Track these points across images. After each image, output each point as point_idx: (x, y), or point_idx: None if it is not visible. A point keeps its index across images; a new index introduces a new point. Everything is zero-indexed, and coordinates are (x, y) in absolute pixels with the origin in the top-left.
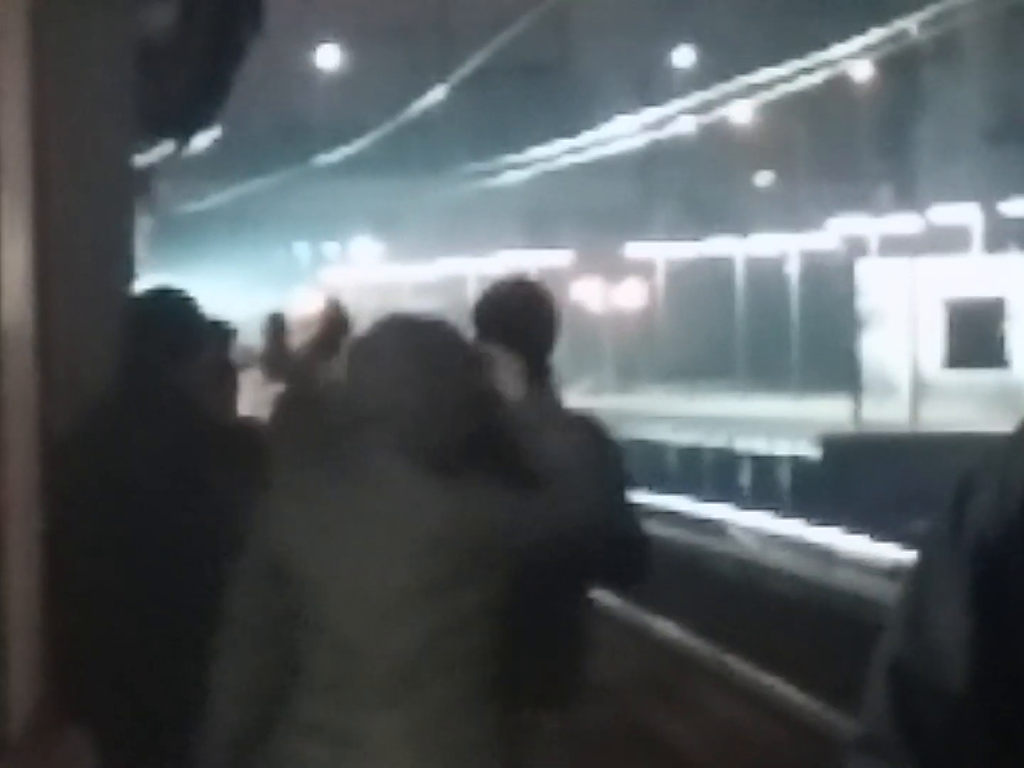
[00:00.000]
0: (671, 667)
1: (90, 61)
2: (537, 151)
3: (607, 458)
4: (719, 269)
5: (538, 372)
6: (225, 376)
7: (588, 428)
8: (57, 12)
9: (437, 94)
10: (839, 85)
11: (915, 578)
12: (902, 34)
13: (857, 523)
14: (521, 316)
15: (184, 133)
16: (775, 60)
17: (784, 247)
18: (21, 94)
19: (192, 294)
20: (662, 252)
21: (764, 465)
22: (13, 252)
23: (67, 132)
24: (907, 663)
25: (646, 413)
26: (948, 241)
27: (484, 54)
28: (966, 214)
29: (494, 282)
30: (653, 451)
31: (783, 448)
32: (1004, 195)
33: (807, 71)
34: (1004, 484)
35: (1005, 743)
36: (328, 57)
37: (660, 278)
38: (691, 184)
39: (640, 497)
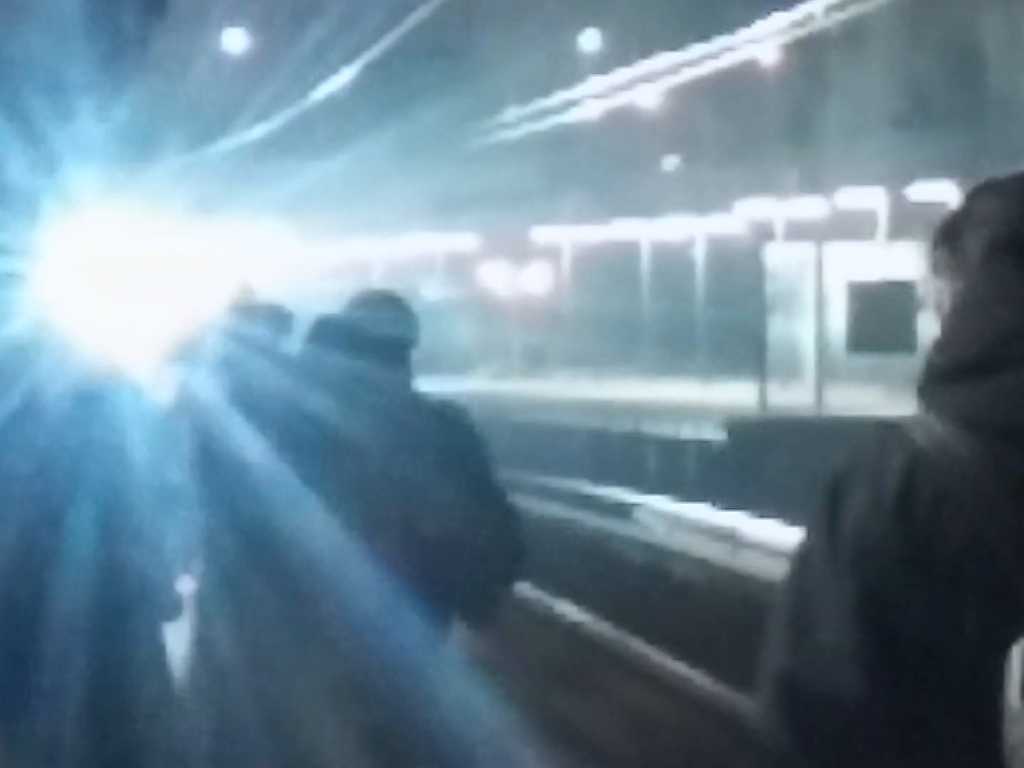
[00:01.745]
0: (576, 651)
1: None
2: (443, 135)
3: (465, 443)
4: (625, 253)
5: (399, 367)
6: None
7: (447, 415)
8: None
9: (343, 77)
10: (746, 69)
11: (795, 584)
12: (808, 18)
13: (763, 507)
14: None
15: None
16: (682, 43)
17: (690, 231)
18: None
19: None
20: (568, 236)
21: (670, 449)
22: None
23: None
24: (795, 673)
25: (553, 397)
26: (854, 225)
27: (390, 38)
28: (872, 198)
29: (358, 292)
30: (560, 435)
31: (689, 432)
32: (910, 180)
33: (713, 55)
34: (877, 485)
35: (901, 747)
36: (235, 40)
37: (566, 262)
38: (597, 168)
39: (547, 480)
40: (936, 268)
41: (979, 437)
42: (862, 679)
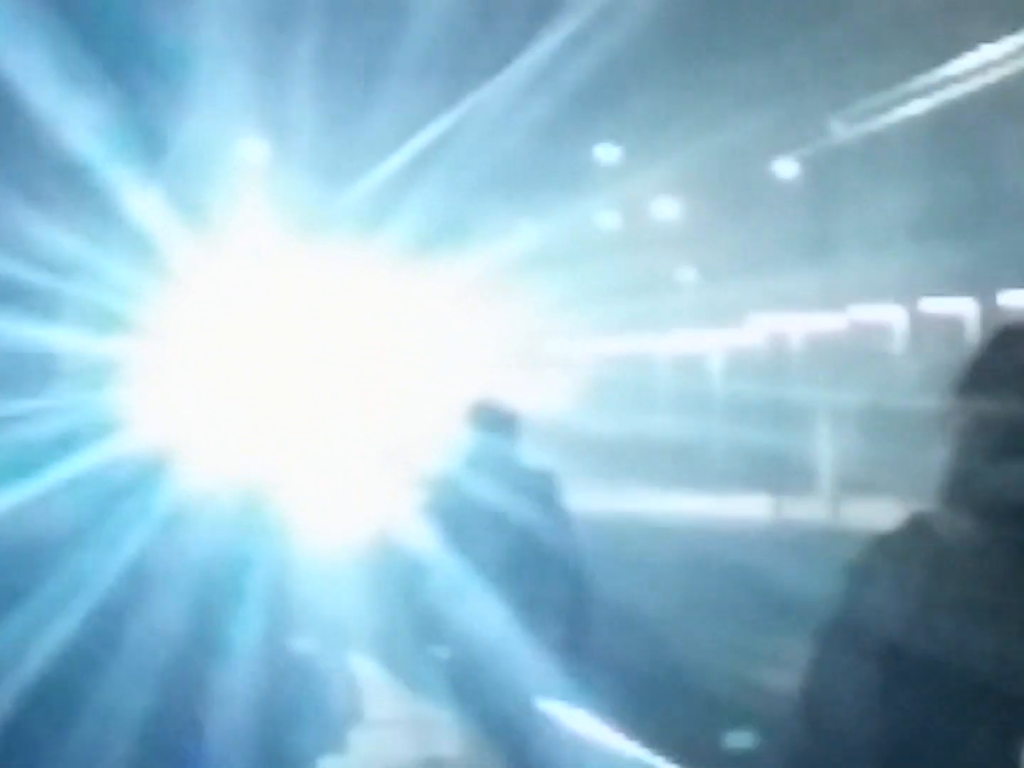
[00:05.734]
0: None
1: None
2: (449, 254)
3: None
4: (641, 365)
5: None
6: None
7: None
8: None
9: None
10: (766, 179)
11: (816, 666)
12: (826, 131)
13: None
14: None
15: None
16: (699, 155)
17: (707, 344)
18: None
19: None
20: (584, 347)
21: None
22: None
23: None
24: (812, 752)
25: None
26: (870, 338)
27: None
28: (889, 312)
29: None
30: None
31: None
32: (927, 293)
33: (731, 167)
34: (902, 575)
35: None
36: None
37: (582, 373)
38: (614, 280)
39: None
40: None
41: (998, 523)
42: (876, 761)
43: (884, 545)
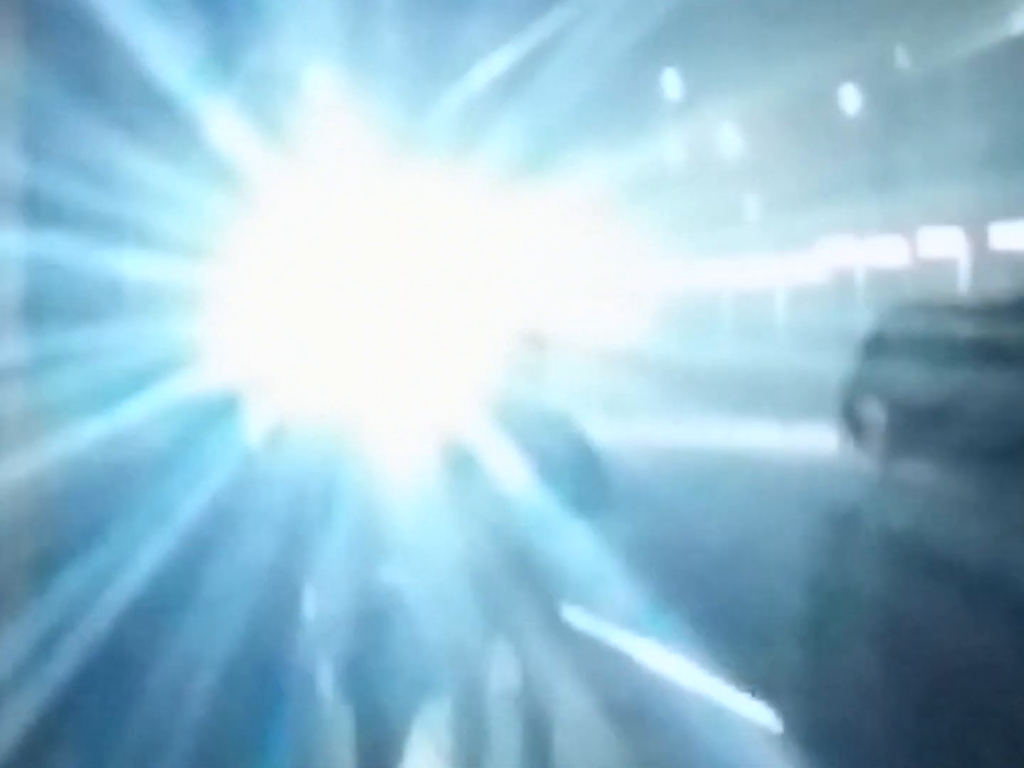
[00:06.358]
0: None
1: None
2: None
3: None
4: (708, 295)
5: None
6: None
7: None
8: None
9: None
10: (826, 109)
11: (810, 610)
12: (892, 61)
13: None
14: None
15: None
16: (761, 84)
17: (773, 273)
18: None
19: None
20: (651, 277)
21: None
22: None
23: None
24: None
25: (633, 443)
26: (934, 269)
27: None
28: (952, 241)
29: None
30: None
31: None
32: (989, 222)
33: (794, 97)
34: (882, 522)
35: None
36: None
37: (650, 303)
38: (679, 210)
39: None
40: None
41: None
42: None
43: (864, 495)
